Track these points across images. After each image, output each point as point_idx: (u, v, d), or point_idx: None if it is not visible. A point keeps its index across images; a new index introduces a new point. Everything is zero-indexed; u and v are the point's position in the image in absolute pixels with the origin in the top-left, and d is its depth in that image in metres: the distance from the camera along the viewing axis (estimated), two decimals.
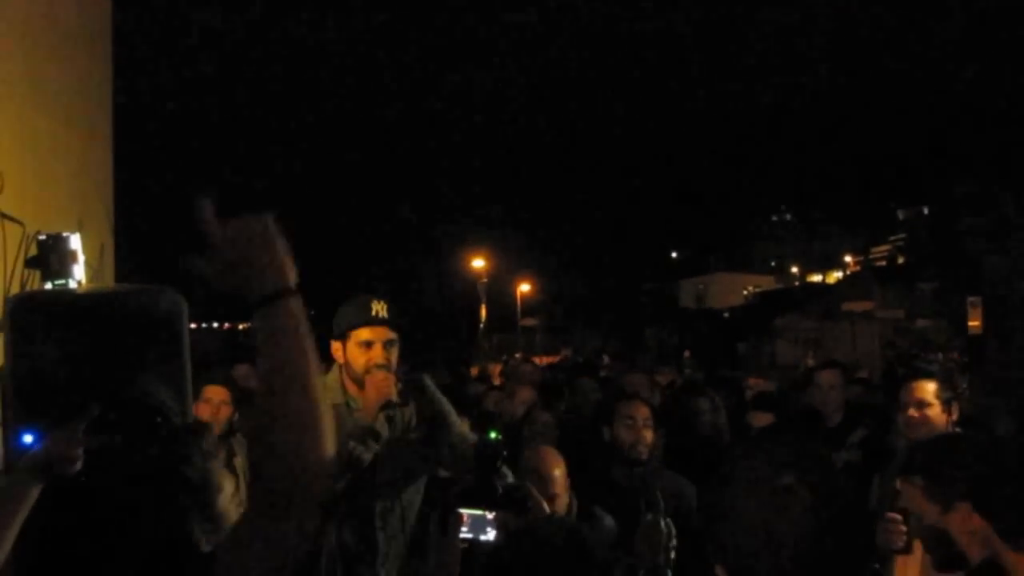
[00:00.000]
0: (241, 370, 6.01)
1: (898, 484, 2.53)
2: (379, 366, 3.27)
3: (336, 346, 3.39)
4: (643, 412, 4.15)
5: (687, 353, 27.09)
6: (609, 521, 3.53)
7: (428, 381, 3.43)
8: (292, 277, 1.51)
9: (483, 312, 36.73)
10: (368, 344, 3.31)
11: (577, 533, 2.08)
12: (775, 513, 1.37)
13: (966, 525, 2.23)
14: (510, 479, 3.10)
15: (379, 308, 3.31)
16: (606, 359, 17.43)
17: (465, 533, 2.65)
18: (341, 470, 3.13)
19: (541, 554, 1.74)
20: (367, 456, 3.18)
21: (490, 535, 2.64)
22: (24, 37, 3.24)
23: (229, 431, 4.52)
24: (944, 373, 4.26)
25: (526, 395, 6.52)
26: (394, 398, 3.27)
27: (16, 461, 1.57)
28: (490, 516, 2.67)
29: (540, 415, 5.25)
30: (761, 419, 5.77)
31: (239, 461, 4.53)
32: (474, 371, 14.71)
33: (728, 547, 1.42)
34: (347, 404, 3.35)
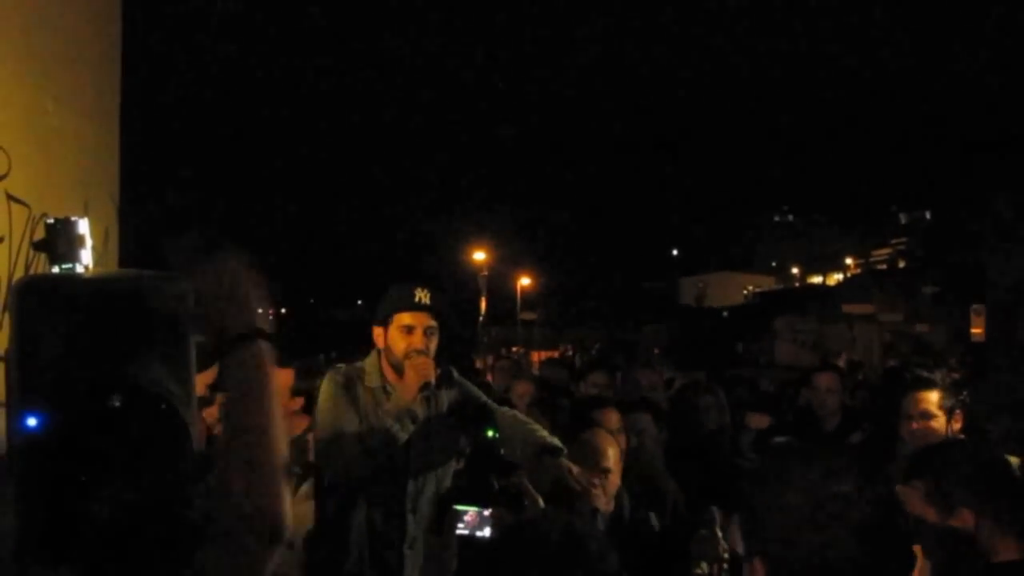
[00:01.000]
0: None
1: (899, 490, 2.54)
2: (418, 351, 3.33)
3: (378, 331, 3.46)
4: (614, 420, 4.16)
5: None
6: (655, 523, 3.57)
7: (455, 372, 3.60)
8: (259, 321, 1.55)
9: (483, 305, 36.69)
10: (409, 329, 3.38)
11: (571, 527, 2.09)
12: (829, 519, 1.38)
13: (967, 529, 2.24)
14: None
15: (422, 295, 3.39)
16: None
17: (462, 529, 2.67)
18: (378, 449, 3.20)
19: (535, 548, 1.74)
20: (403, 436, 3.24)
21: (486, 531, 2.66)
22: (31, 18, 3.23)
23: None
24: (946, 382, 4.25)
25: (524, 389, 6.51)
26: (432, 380, 3.33)
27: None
28: (486, 513, 2.69)
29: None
30: (758, 420, 5.76)
31: None
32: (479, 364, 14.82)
33: (773, 547, 1.43)
34: (384, 388, 3.40)
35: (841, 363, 11.67)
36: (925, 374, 4.46)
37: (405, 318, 3.38)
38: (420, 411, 3.35)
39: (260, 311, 1.56)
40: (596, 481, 3.32)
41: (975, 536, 2.23)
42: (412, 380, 3.29)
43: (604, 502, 3.36)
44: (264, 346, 1.54)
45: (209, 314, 1.56)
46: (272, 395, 1.52)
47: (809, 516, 1.39)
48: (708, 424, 5.28)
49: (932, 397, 3.96)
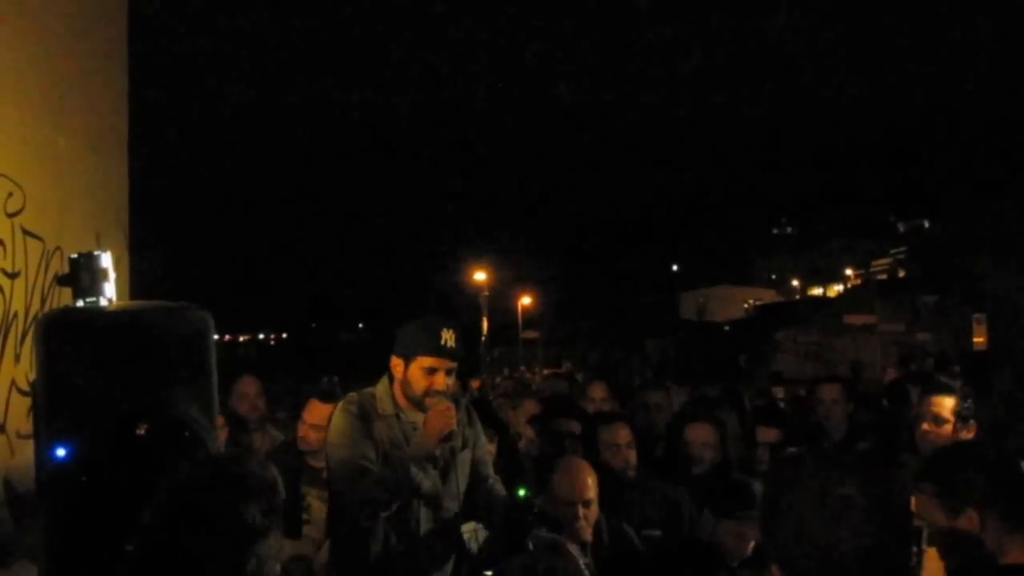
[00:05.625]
0: (248, 384, 5.98)
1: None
2: (439, 392, 3.33)
3: (396, 362, 3.44)
4: (624, 435, 4.17)
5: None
6: (634, 538, 3.58)
7: (464, 401, 3.62)
8: None
9: (485, 325, 36.65)
10: (432, 371, 3.37)
11: (552, 569, 2.15)
12: (834, 520, 1.42)
13: (974, 530, 2.24)
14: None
15: (448, 337, 3.37)
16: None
17: None
18: (399, 492, 3.22)
19: None
20: (427, 482, 3.27)
21: None
22: (41, 56, 3.29)
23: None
24: (963, 390, 4.24)
25: (530, 408, 6.51)
26: (455, 428, 3.33)
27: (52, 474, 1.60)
28: None
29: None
30: (766, 434, 5.75)
31: None
32: (475, 384, 14.77)
33: (785, 549, 1.46)
34: (397, 416, 3.41)
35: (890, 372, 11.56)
36: (944, 379, 4.47)
37: (429, 360, 3.38)
38: (440, 455, 3.37)
39: None
40: (580, 513, 3.31)
41: (983, 537, 2.24)
42: (435, 427, 3.28)
43: (588, 533, 3.34)
44: None
45: None
46: None
47: (815, 520, 1.43)
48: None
49: (947, 402, 3.97)
